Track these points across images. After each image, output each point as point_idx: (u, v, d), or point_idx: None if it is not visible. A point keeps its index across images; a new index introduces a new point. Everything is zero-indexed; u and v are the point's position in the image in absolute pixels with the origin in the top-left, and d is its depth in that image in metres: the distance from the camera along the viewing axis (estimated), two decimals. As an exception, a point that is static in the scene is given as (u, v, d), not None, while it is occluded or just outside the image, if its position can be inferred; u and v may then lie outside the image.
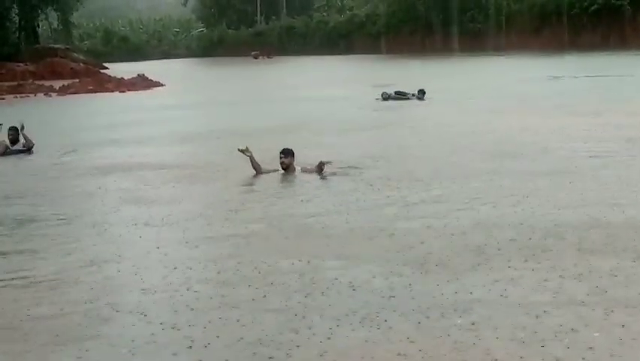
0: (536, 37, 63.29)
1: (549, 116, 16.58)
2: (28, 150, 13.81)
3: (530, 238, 6.69)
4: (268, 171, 10.35)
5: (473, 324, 4.74)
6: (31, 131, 14.04)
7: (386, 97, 22.21)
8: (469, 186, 9.08)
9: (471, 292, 5.34)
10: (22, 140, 13.88)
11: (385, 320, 4.86)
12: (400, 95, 22.24)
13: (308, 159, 10.65)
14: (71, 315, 5.24)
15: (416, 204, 8.31)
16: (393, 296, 5.31)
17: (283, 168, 10.22)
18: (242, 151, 10.25)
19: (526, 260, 6.04)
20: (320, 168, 10.07)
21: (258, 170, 10.35)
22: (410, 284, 5.55)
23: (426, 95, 21.92)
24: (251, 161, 10.33)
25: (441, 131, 14.86)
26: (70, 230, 7.82)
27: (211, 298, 5.45)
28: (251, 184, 9.98)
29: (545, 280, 5.54)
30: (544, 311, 4.91)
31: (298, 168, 10.32)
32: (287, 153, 10.25)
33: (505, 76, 31.69)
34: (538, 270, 5.78)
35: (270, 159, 10.69)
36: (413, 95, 22.14)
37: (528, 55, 51.00)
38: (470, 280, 5.59)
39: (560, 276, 5.62)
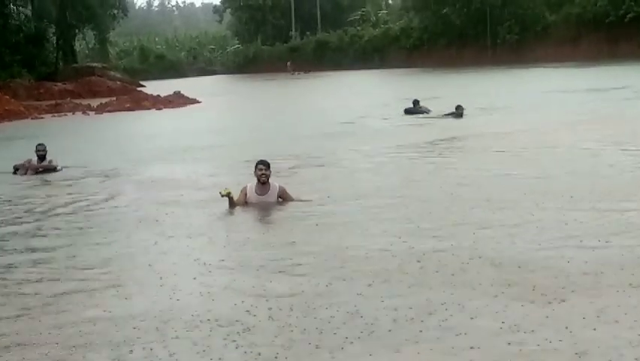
0: (574, 47, 62.42)
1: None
2: (54, 169, 14.10)
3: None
4: (242, 199, 9.53)
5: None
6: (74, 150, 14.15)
7: (414, 111, 22.04)
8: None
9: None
10: (48, 158, 14.22)
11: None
12: (415, 111, 22.01)
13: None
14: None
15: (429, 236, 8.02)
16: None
17: (262, 182, 9.46)
18: (226, 195, 9.27)
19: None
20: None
21: (233, 206, 9.41)
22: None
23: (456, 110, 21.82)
24: (231, 201, 9.40)
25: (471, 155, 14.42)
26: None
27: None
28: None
29: None
30: None
31: (276, 185, 9.63)
32: (268, 165, 9.49)
33: (543, 88, 31.14)
34: None
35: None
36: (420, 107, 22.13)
37: (566, 66, 50.22)
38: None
39: None
